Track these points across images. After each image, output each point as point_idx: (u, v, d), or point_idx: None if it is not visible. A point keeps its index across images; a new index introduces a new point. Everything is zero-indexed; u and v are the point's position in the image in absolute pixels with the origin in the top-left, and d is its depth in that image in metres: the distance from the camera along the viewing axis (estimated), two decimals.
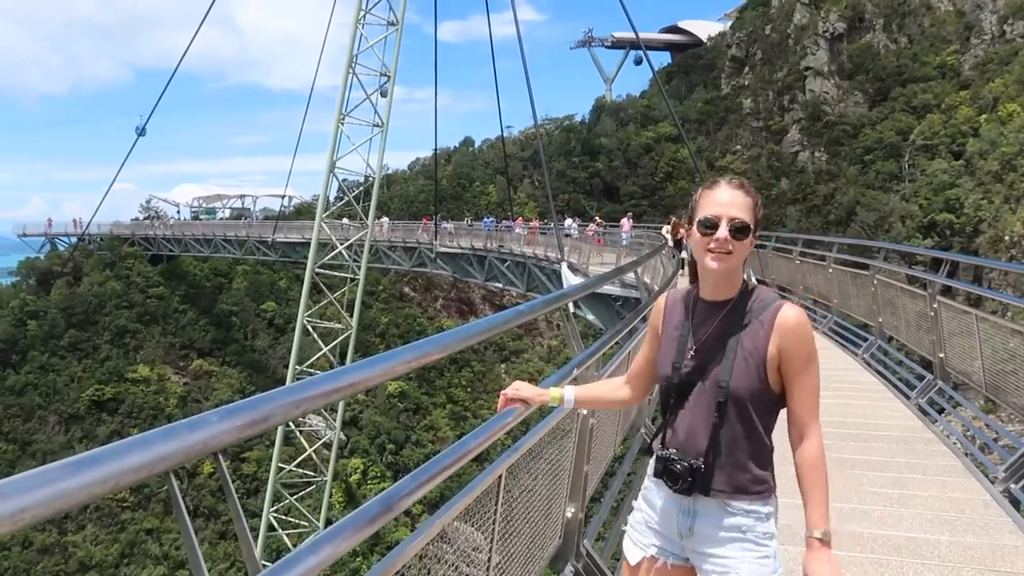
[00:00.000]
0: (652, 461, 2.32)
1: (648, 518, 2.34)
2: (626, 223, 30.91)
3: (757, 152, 61.84)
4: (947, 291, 9.57)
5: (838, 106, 59.34)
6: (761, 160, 60.70)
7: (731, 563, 2.17)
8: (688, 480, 2.17)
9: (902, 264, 31.22)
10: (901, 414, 7.61)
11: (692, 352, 2.21)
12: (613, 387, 2.63)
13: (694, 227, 2.20)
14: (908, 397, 8.19)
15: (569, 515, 3.68)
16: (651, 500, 2.34)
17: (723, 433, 2.17)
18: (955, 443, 6.84)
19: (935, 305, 8.00)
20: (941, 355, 7.95)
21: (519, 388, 2.58)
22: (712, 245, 2.14)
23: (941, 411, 7.81)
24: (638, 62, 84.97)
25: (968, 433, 7.21)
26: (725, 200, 2.16)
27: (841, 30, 61.05)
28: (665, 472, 2.21)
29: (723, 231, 2.13)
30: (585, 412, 3.68)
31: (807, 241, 17.05)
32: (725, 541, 2.18)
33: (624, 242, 27.35)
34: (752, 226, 2.16)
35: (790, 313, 2.16)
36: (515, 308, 3.56)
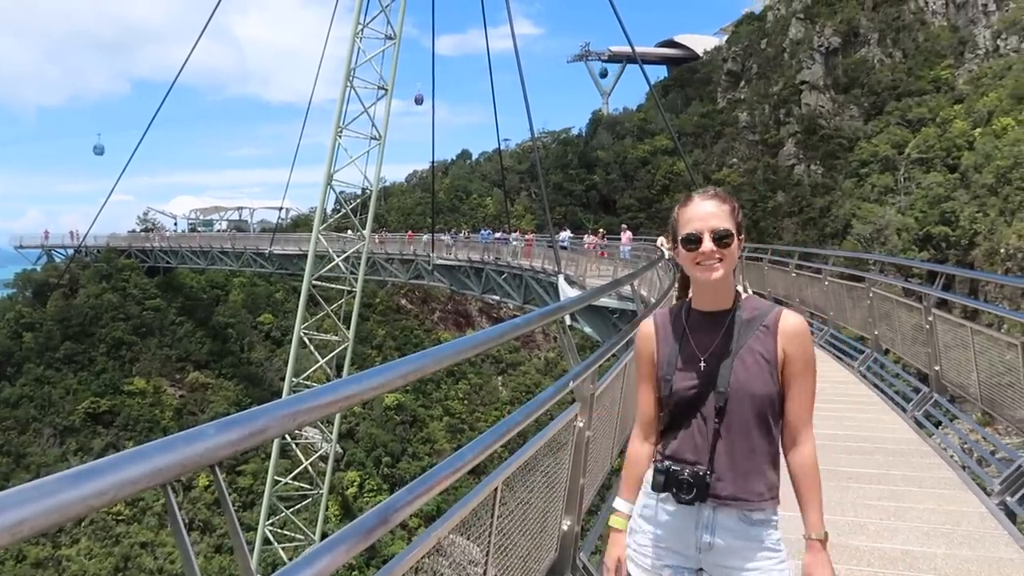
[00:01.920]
0: (650, 477, 2.28)
1: (657, 538, 2.27)
2: (624, 236, 30.89)
3: (753, 165, 62.06)
4: (943, 304, 9.62)
5: (833, 119, 59.63)
6: (757, 173, 60.92)
7: (755, 575, 2.17)
8: (696, 488, 2.16)
9: (898, 277, 31.30)
10: (897, 427, 7.62)
11: (703, 364, 2.21)
12: (642, 455, 2.39)
13: (679, 245, 2.25)
14: (904, 410, 8.20)
15: (565, 528, 3.68)
16: (656, 519, 2.27)
17: (738, 440, 2.17)
18: (951, 456, 6.85)
19: (930, 318, 8.03)
20: (937, 368, 7.96)
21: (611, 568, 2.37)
22: (700, 259, 2.18)
23: (938, 424, 7.81)
24: (603, 74, 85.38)
25: (964, 446, 7.22)
26: (703, 213, 2.20)
27: (836, 44, 61.43)
28: (671, 483, 2.18)
29: (707, 243, 2.16)
30: (581, 424, 3.68)
31: (803, 254, 17.13)
32: (746, 552, 2.17)
33: (624, 255, 27.34)
34: (734, 231, 2.20)
35: (792, 318, 2.23)
36: (512, 321, 3.57)
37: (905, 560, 4.57)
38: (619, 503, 2.41)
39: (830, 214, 54.23)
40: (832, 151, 57.93)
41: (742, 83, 68.79)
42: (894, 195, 51.28)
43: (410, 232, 49.07)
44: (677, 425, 2.25)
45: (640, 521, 2.33)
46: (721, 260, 2.16)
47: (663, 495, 2.22)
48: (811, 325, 14.20)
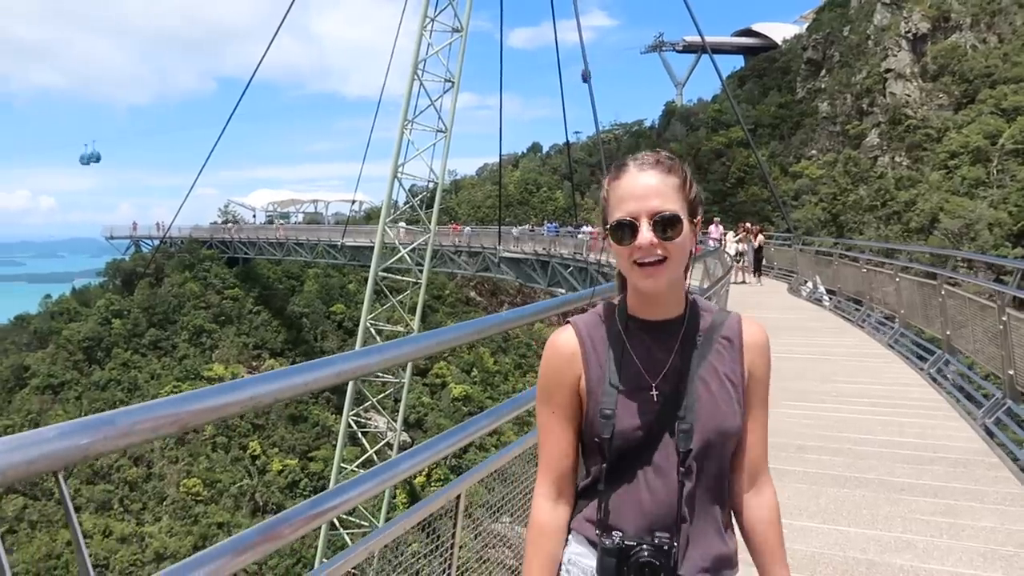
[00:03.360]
0: (579, 559, 1.68)
1: None
2: (715, 229, 28.84)
3: (833, 157, 59.82)
4: None
5: (921, 109, 56.86)
6: (838, 165, 58.67)
7: None
8: (661, 571, 1.56)
9: (989, 274, 29.56)
10: (964, 435, 7.07)
11: (655, 392, 1.63)
12: (556, 524, 1.73)
13: (609, 235, 1.66)
14: (974, 417, 7.63)
15: None
16: None
17: (701, 492, 1.64)
18: (1023, 469, 6.30)
19: (1004, 317, 7.43)
20: (1011, 372, 7.37)
21: None
22: (637, 256, 1.59)
23: (1010, 433, 7.23)
24: (585, 79, 79.99)
25: None
26: (640, 190, 1.60)
27: (924, 30, 58.53)
28: (629, 568, 1.57)
29: (645, 234, 1.57)
30: None
31: (881, 249, 16.30)
32: None
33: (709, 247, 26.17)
34: (685, 215, 1.61)
35: (757, 327, 1.74)
36: (537, 304, 3.39)
37: None
38: None
39: (915, 208, 51.70)
40: (918, 142, 55.26)
41: (823, 72, 66.38)
42: (986, 188, 48.58)
43: (455, 224, 49.70)
44: (617, 479, 1.64)
45: None
46: (665, 259, 1.58)
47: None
48: (883, 324, 13.47)
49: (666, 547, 1.56)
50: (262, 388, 1.60)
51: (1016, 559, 4.48)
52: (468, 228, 49.37)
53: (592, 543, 1.66)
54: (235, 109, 35.28)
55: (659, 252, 1.57)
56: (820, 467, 6.18)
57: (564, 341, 1.71)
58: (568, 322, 1.76)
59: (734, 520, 1.75)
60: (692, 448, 1.59)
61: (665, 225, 1.57)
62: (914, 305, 11.54)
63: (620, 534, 1.59)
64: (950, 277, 10.21)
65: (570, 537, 1.72)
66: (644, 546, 1.56)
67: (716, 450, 1.63)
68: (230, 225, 66.30)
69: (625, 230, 1.59)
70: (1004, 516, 5.14)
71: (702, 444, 1.60)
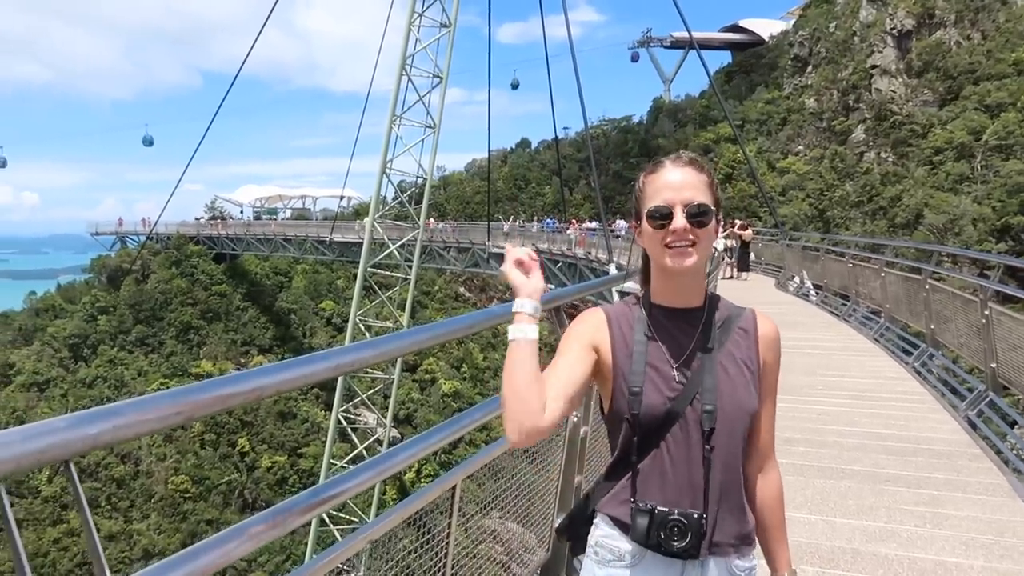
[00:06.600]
0: (617, 526, 1.79)
1: None
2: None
3: (820, 153, 60.12)
4: (1008, 298, 9.06)
5: (906, 105, 57.19)
6: (824, 161, 58.99)
7: None
8: (690, 534, 1.70)
9: (974, 269, 29.93)
10: (947, 427, 7.18)
11: (675, 372, 1.78)
12: (542, 386, 1.72)
13: (643, 221, 1.81)
14: (957, 409, 7.74)
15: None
16: None
17: (724, 470, 1.77)
18: (1004, 460, 6.41)
19: (987, 312, 7.55)
20: (993, 365, 7.50)
21: (514, 269, 1.82)
22: (670, 239, 1.75)
23: (992, 425, 7.35)
24: (515, 86, 77.29)
25: (1016, 449, 6.77)
26: (676, 182, 1.78)
27: (910, 27, 58.85)
28: (660, 528, 1.70)
29: (679, 219, 1.75)
30: (576, 419, 3.52)
31: (867, 245, 16.45)
32: None
33: None
34: (713, 207, 1.79)
35: (770, 321, 1.91)
36: (490, 308, 3.43)
37: (936, 572, 4.26)
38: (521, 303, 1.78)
39: (901, 204, 52.09)
40: (904, 138, 55.63)
41: (809, 68, 66.67)
42: (970, 184, 48.99)
43: (428, 220, 49.98)
44: (644, 454, 1.77)
45: None
46: (694, 244, 1.75)
47: (633, 556, 1.75)
48: (871, 319, 13.61)
49: (696, 516, 1.71)
50: (265, 380, 1.65)
51: (996, 546, 4.58)
52: (441, 224, 49.39)
53: (621, 525, 1.78)
54: (220, 105, 35.18)
55: (690, 237, 1.76)
56: (807, 459, 6.27)
57: (593, 315, 1.89)
58: (602, 307, 1.92)
59: (749, 498, 1.87)
60: (715, 427, 1.74)
61: (697, 214, 1.76)
62: (899, 300, 11.67)
63: (654, 503, 1.73)
64: (934, 272, 10.34)
65: (598, 520, 1.84)
66: (676, 511, 1.71)
67: (736, 430, 1.77)
68: (217, 221, 65.91)
69: (661, 216, 1.77)
70: (985, 505, 5.24)
71: (724, 424, 1.75)
